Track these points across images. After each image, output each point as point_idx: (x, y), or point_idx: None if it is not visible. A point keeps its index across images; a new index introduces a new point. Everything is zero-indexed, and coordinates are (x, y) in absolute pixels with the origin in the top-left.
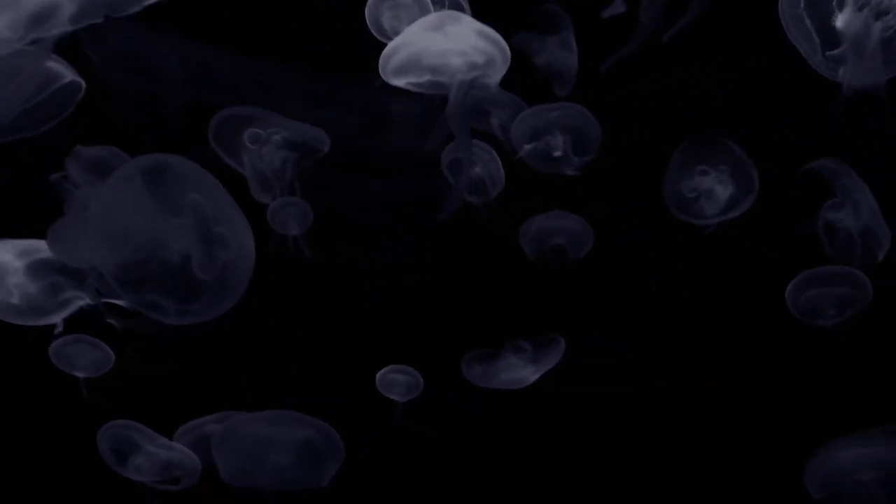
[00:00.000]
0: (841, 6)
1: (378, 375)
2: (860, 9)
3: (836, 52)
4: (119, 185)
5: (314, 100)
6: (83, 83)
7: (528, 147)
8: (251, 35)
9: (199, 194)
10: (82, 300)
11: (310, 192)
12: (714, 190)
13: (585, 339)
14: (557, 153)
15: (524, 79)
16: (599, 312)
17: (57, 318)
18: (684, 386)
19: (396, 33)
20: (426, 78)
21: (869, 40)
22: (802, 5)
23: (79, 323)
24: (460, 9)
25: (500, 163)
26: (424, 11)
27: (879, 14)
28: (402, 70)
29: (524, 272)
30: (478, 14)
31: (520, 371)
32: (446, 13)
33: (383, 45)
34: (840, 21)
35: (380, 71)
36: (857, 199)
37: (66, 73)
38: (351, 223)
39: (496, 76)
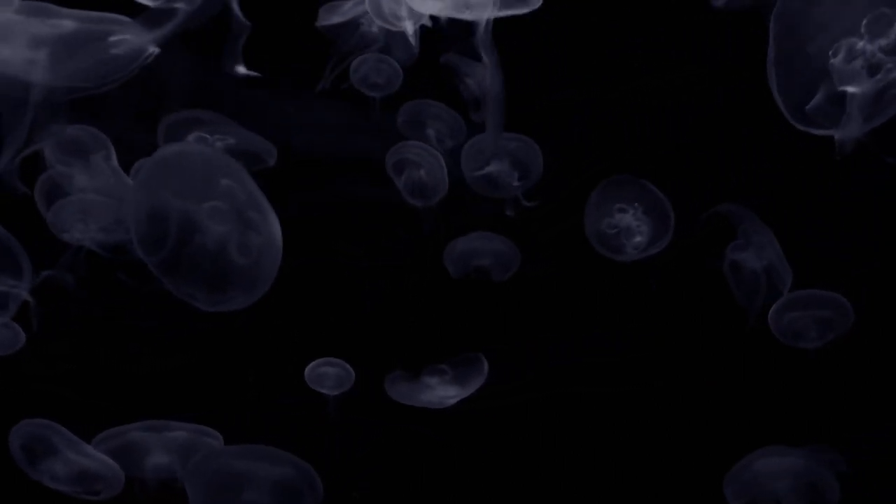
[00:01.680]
0: (835, 56)
1: (307, 370)
2: (853, 59)
3: (814, 104)
4: (152, 172)
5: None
6: (157, 51)
7: (489, 169)
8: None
9: (231, 180)
10: (21, 296)
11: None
12: (632, 227)
13: (585, 340)
14: (516, 184)
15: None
16: (596, 313)
17: None
18: (671, 390)
19: (397, 18)
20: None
21: (861, 96)
22: (773, 57)
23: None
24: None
25: (445, 169)
26: None
27: (872, 68)
28: None
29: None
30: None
31: (440, 392)
32: None
33: None
34: (836, 77)
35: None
36: (759, 241)
37: (151, 47)
38: (350, 224)
39: None
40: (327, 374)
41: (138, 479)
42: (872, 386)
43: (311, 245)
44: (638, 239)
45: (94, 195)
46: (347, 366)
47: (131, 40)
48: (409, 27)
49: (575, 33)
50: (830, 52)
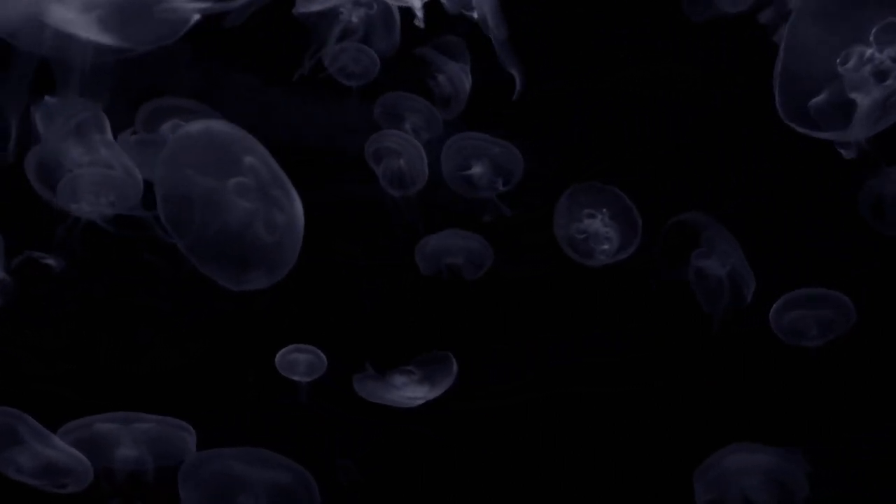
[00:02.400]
0: (845, 63)
1: (277, 357)
2: (861, 67)
3: (817, 101)
4: (176, 149)
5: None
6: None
7: (470, 171)
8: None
9: (254, 158)
10: None
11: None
12: (600, 232)
13: (584, 340)
14: (501, 189)
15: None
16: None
17: None
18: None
19: None
20: None
21: (869, 101)
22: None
23: None
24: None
25: (425, 159)
26: None
27: (880, 75)
28: None
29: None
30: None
31: (407, 392)
32: None
33: None
34: (846, 83)
35: None
36: (723, 248)
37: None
38: (348, 223)
39: None
40: (298, 361)
41: (106, 471)
42: (872, 385)
43: (309, 244)
44: (606, 246)
45: (107, 169)
46: (319, 352)
47: (180, 6)
48: (416, 2)
49: (563, 26)
50: (838, 60)
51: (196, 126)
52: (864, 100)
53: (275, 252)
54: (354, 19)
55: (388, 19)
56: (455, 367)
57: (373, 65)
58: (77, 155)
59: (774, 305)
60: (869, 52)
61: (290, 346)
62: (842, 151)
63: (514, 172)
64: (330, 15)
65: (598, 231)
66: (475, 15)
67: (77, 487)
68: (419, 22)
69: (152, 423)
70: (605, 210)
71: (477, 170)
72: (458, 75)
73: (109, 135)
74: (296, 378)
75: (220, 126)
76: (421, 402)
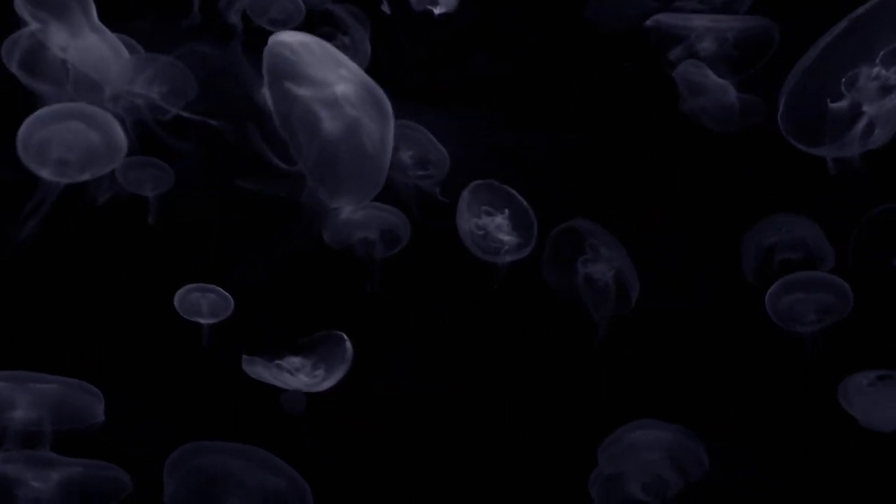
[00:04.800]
0: (850, 86)
1: (177, 298)
2: (869, 82)
3: (838, 105)
4: (277, 62)
5: None
6: None
7: (403, 157)
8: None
9: (349, 71)
10: None
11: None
12: (498, 231)
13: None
14: (428, 188)
15: None
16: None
17: None
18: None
19: None
20: None
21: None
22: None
23: None
24: None
25: None
26: None
27: (884, 90)
28: None
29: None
30: None
31: (298, 382)
32: None
33: None
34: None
35: None
36: (606, 254)
37: None
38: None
39: None
40: (200, 302)
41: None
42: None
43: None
44: (505, 247)
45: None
46: (222, 291)
47: None
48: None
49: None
50: (844, 80)
51: (290, 36)
52: (868, 112)
53: (367, 168)
54: None
55: None
56: (349, 352)
57: (297, 12)
58: (61, 39)
59: (772, 287)
60: (875, 70)
61: (190, 286)
62: (833, 166)
63: (438, 177)
64: None
65: (495, 229)
66: (437, 11)
67: None
68: (385, 8)
69: (53, 384)
70: (505, 210)
71: (406, 159)
72: (361, 42)
73: (95, 18)
74: (199, 320)
75: (310, 38)
76: (318, 387)
